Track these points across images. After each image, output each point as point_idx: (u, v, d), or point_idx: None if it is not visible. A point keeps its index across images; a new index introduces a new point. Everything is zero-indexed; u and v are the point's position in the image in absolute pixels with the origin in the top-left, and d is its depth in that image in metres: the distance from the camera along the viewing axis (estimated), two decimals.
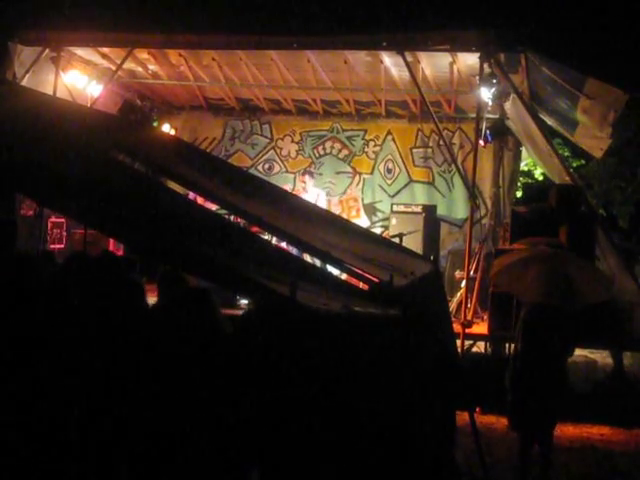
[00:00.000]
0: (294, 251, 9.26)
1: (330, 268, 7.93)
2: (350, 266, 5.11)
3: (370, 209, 16.70)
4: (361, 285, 5.24)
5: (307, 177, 15.26)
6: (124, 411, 4.41)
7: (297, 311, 3.76)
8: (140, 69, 15.24)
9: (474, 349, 12.64)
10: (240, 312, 5.26)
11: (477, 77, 12.24)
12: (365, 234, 7.63)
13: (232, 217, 9.31)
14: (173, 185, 7.40)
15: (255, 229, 8.79)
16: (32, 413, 4.46)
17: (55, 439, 4.44)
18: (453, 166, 15.11)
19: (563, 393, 7.87)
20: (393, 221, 14.80)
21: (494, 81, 12.04)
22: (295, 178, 16.87)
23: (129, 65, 14.68)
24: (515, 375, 7.81)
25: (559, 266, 8.02)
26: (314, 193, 14.84)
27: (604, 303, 9.08)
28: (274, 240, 9.56)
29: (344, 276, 6.70)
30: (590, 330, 10.46)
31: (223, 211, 8.17)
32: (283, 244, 9.33)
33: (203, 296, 4.90)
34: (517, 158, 16.10)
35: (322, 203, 14.84)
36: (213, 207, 8.15)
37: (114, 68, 14.36)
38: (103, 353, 4.55)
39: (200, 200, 7.85)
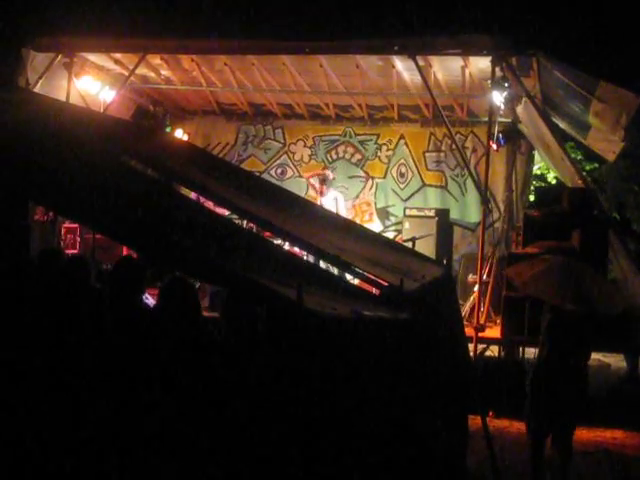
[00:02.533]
0: (306, 256, 9.28)
1: (341, 272, 7.93)
2: (360, 270, 5.13)
3: (383, 213, 16.69)
4: (374, 290, 5.26)
5: (324, 181, 15.32)
6: (121, 411, 4.44)
7: (305, 315, 3.77)
8: (153, 74, 15.28)
9: (487, 353, 12.62)
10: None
11: (489, 81, 12.23)
12: (376, 238, 7.65)
13: (244, 222, 9.33)
14: (185, 191, 7.44)
15: (267, 234, 8.82)
16: (29, 410, 4.50)
17: (50, 439, 4.46)
18: (466, 170, 15.05)
19: (585, 398, 7.89)
20: (406, 225, 14.79)
21: (506, 85, 12.03)
22: (308, 183, 16.90)
23: (142, 70, 14.71)
24: (539, 380, 7.82)
25: (579, 274, 8.05)
26: (331, 197, 14.88)
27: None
28: (286, 245, 9.59)
29: (355, 280, 6.70)
30: (604, 334, 10.44)
31: (235, 216, 8.19)
32: (295, 249, 9.36)
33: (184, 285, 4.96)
34: (530, 162, 16.09)
35: (341, 206, 14.90)
36: (225, 212, 8.20)
37: (127, 74, 14.39)
38: (101, 352, 4.59)
39: (212, 205, 7.87)
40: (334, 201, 14.75)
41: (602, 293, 8.04)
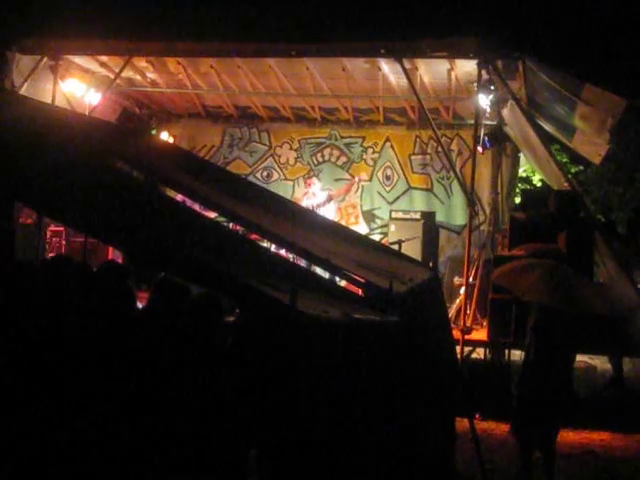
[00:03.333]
0: (293, 258, 9.26)
1: (330, 275, 7.92)
2: (349, 273, 5.11)
3: (369, 216, 16.68)
4: (360, 292, 5.25)
5: (314, 180, 15.36)
6: (119, 412, 4.43)
7: (298, 318, 3.76)
8: (138, 77, 15.25)
9: (473, 355, 12.63)
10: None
11: (475, 84, 12.26)
12: (364, 241, 7.64)
13: (231, 224, 9.31)
14: (171, 193, 7.42)
15: (254, 236, 8.80)
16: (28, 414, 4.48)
17: (50, 442, 4.45)
18: (452, 173, 15.09)
19: (570, 399, 7.91)
20: (392, 228, 14.78)
21: (492, 88, 12.06)
22: (294, 185, 16.90)
23: (127, 73, 14.69)
24: (526, 380, 7.83)
25: (562, 273, 8.06)
26: (322, 196, 14.93)
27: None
28: (273, 247, 9.58)
29: (343, 283, 6.69)
30: (590, 336, 10.46)
31: (222, 218, 8.17)
32: (282, 251, 9.34)
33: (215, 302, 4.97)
34: (515, 164, 16.10)
35: (330, 206, 14.96)
36: (212, 215, 8.17)
37: (112, 76, 14.38)
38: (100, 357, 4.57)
39: (198, 208, 7.85)
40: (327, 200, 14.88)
41: (595, 294, 8.07)
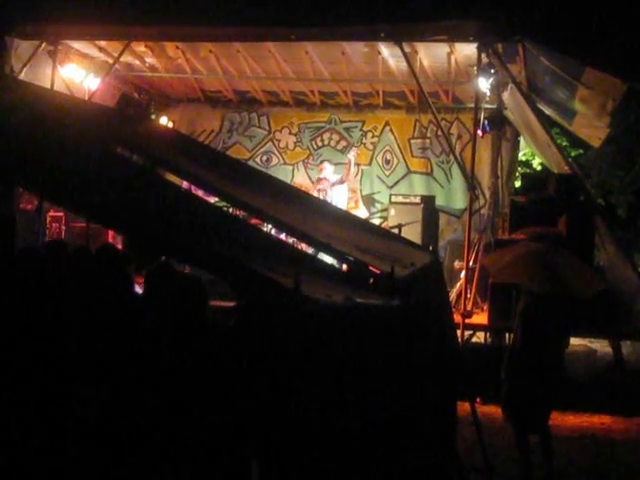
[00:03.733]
0: (294, 243, 9.26)
1: (331, 259, 7.91)
2: (351, 257, 5.11)
3: (369, 200, 16.68)
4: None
5: (325, 165, 15.39)
6: (116, 403, 4.44)
7: (301, 303, 3.76)
8: (137, 62, 15.23)
9: (474, 339, 12.64)
10: (232, 303, 5.27)
11: (475, 67, 12.23)
12: (365, 225, 7.64)
13: (231, 209, 9.31)
14: (172, 177, 7.41)
15: (255, 221, 8.79)
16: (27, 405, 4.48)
17: (50, 434, 4.45)
18: (451, 157, 15.11)
19: (560, 383, 7.90)
20: (392, 212, 14.79)
21: (492, 71, 12.03)
22: (294, 169, 16.92)
23: (126, 58, 14.66)
24: (514, 366, 7.81)
25: (554, 258, 8.04)
26: (334, 180, 14.99)
27: (603, 292, 9.07)
28: (274, 232, 9.58)
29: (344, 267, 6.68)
30: (590, 319, 10.48)
31: (222, 203, 8.17)
32: (283, 235, 9.34)
33: (197, 285, 4.94)
34: (515, 148, 16.10)
35: (343, 189, 15.03)
36: (212, 199, 8.16)
37: (111, 61, 14.35)
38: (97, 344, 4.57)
39: (199, 192, 7.84)
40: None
41: (577, 276, 8.02)
